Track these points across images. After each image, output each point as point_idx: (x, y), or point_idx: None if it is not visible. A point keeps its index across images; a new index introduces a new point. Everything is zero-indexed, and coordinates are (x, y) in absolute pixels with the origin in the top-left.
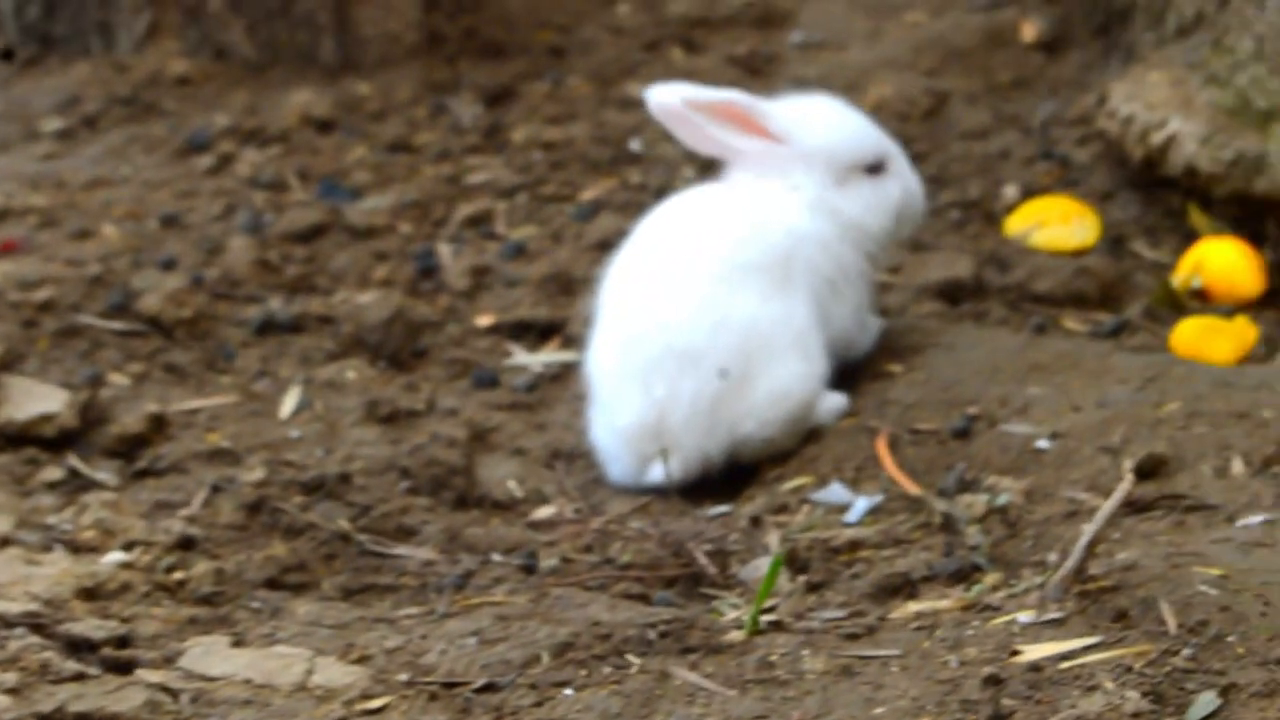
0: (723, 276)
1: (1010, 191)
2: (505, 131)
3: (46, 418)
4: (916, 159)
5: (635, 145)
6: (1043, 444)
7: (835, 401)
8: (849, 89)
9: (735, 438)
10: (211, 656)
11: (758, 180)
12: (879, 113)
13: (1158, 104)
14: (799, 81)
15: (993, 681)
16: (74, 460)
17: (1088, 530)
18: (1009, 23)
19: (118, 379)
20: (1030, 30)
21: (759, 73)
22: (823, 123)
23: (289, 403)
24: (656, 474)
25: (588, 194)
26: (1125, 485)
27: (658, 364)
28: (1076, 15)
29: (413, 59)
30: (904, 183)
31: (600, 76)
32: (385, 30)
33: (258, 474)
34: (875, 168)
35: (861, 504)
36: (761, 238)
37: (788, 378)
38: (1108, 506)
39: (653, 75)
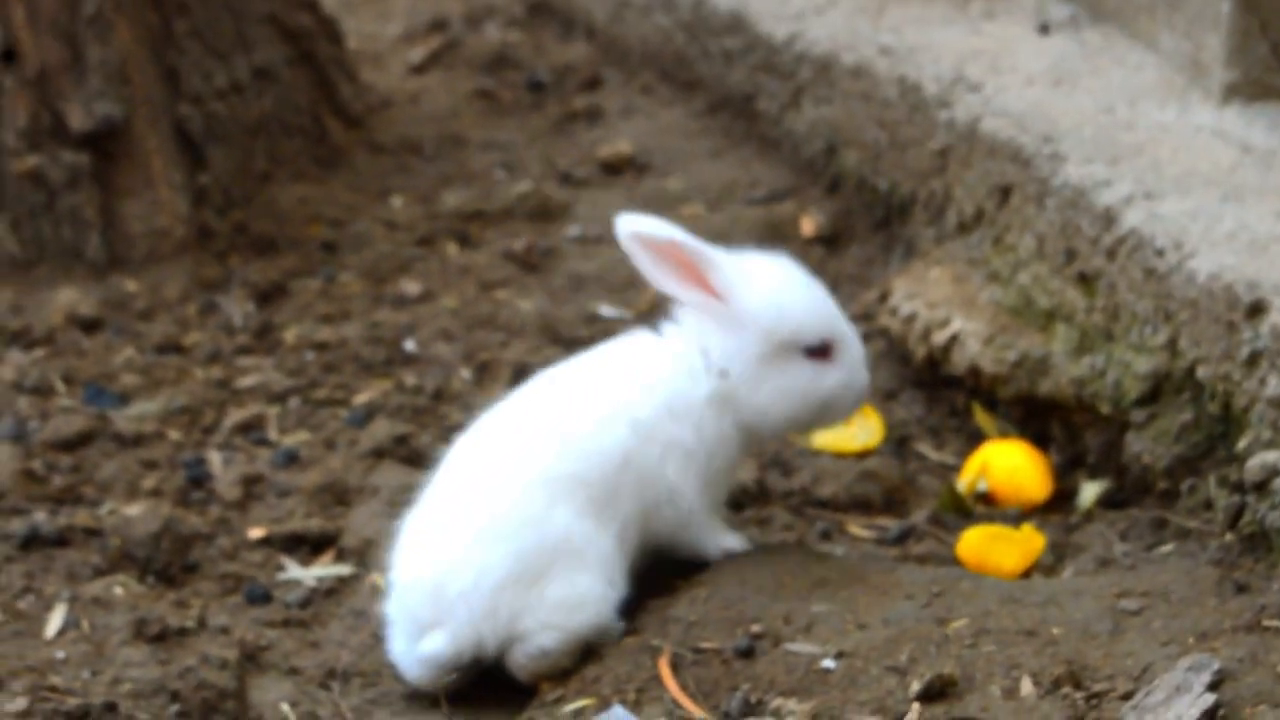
0: (547, 480)
1: None
2: (277, 331)
3: None
4: None
5: (410, 345)
6: (828, 664)
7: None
8: (627, 285)
9: (513, 631)
10: None
11: (662, 342)
12: (656, 310)
13: (939, 302)
14: (576, 276)
15: None
16: None
17: None
18: (788, 216)
19: None
20: (810, 224)
21: (536, 267)
22: (770, 287)
23: (54, 621)
24: (429, 649)
25: (361, 397)
26: (913, 717)
27: (455, 528)
28: (856, 209)
29: (181, 255)
30: (846, 375)
31: (373, 273)
32: (153, 226)
33: (20, 703)
34: (818, 350)
35: None
36: (601, 444)
37: (584, 592)
38: None
39: (427, 270)
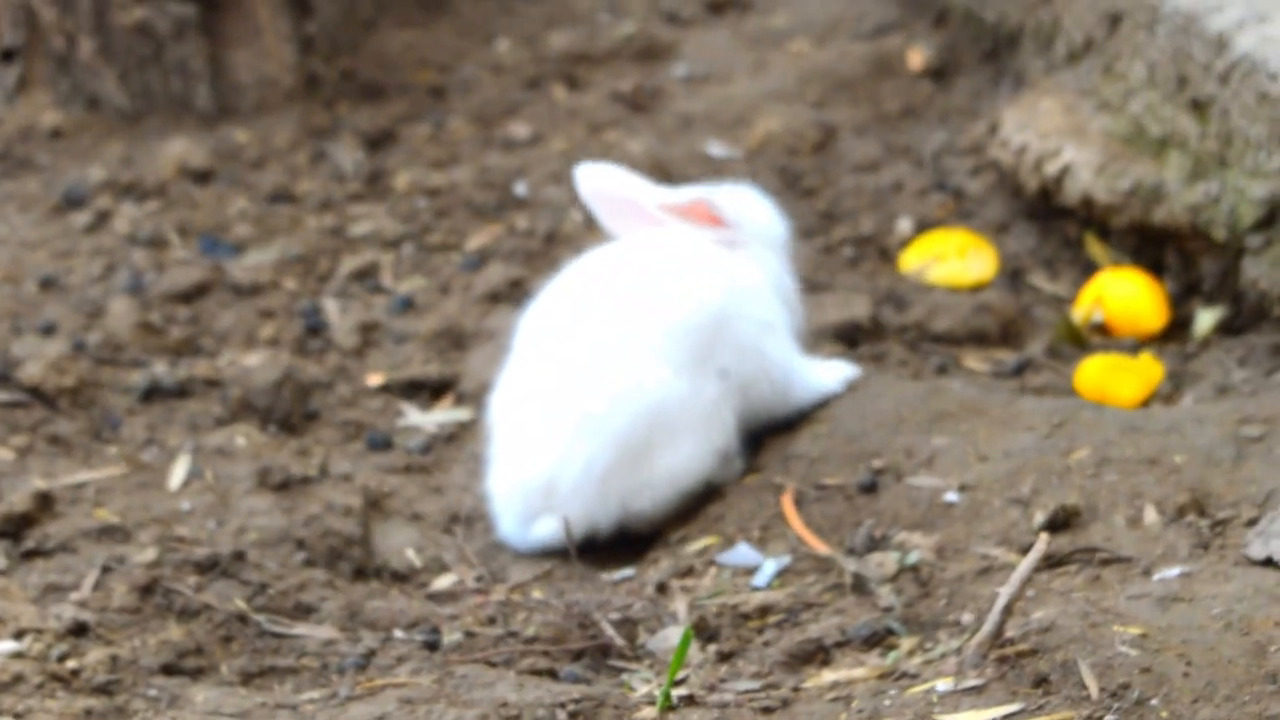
0: (639, 346)
1: (904, 225)
2: (387, 178)
3: None
4: (807, 194)
5: (520, 189)
6: (951, 497)
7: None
8: (736, 123)
9: (627, 511)
10: None
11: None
12: (767, 148)
13: (1050, 132)
14: (684, 116)
15: None
16: None
17: (1003, 593)
18: (895, 50)
19: (1, 453)
20: (917, 58)
21: (644, 108)
22: (761, 209)
23: (178, 473)
24: (542, 533)
25: (474, 242)
26: (1040, 547)
27: (556, 424)
28: (963, 41)
29: (290, 104)
30: None
31: (482, 117)
32: (261, 75)
33: (149, 553)
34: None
35: (770, 566)
36: (688, 307)
37: (690, 456)
38: (1022, 569)
39: (535, 114)
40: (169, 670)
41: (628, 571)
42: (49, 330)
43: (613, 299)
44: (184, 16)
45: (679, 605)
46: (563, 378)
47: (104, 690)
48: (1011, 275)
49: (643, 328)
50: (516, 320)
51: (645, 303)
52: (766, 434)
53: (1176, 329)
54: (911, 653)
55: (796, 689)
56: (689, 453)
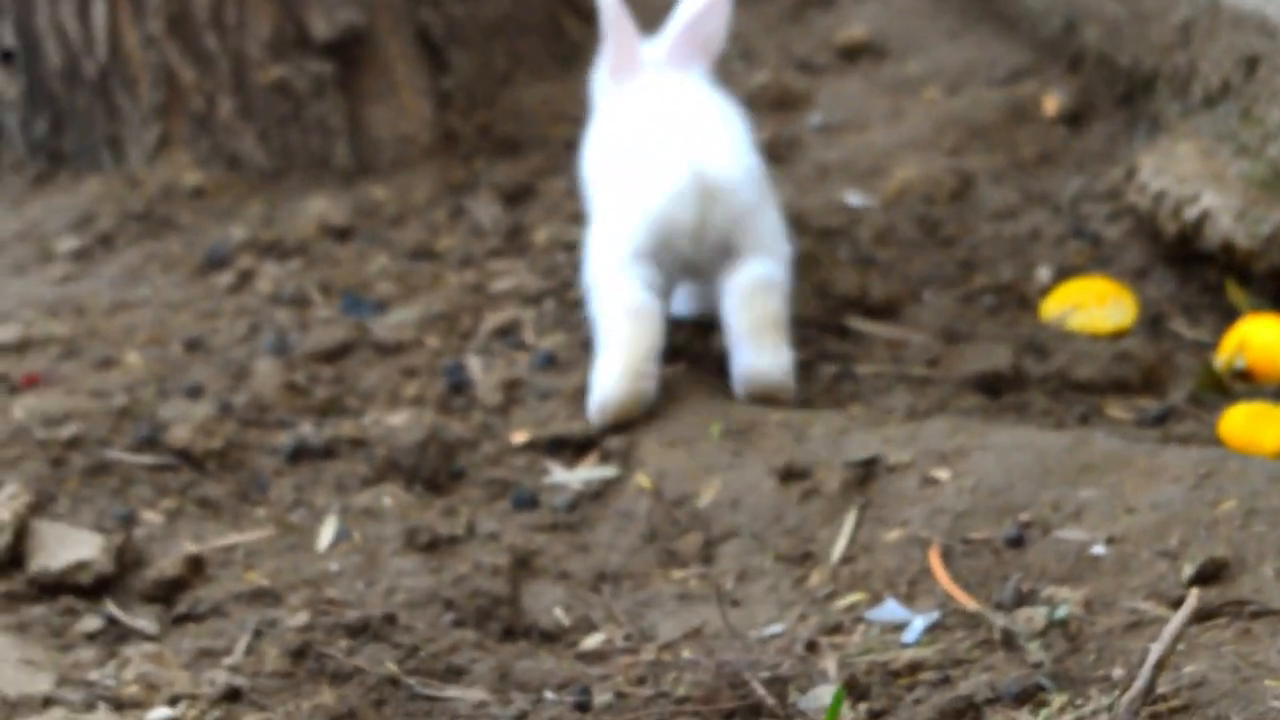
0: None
1: (1044, 273)
2: (527, 232)
3: (82, 565)
4: (945, 243)
5: None
6: (1099, 550)
7: None
8: (873, 172)
9: (754, 235)
10: None
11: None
12: (905, 196)
13: (1188, 177)
14: (821, 165)
15: None
16: (112, 608)
17: (1154, 649)
18: (1030, 96)
19: (151, 517)
20: (1052, 103)
21: (780, 158)
22: None
23: (326, 533)
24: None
25: None
26: (1191, 603)
27: (716, 138)
28: (1098, 86)
29: (428, 159)
30: None
31: None
32: (398, 131)
33: (300, 617)
34: None
35: (919, 622)
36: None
37: (783, 229)
38: (1174, 624)
39: None
40: None
41: (776, 628)
42: (195, 392)
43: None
44: (322, 74)
45: (829, 663)
46: (706, 122)
47: None
48: (1152, 322)
49: (721, 118)
50: None
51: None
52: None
53: None
54: (1063, 709)
55: None
56: (782, 225)
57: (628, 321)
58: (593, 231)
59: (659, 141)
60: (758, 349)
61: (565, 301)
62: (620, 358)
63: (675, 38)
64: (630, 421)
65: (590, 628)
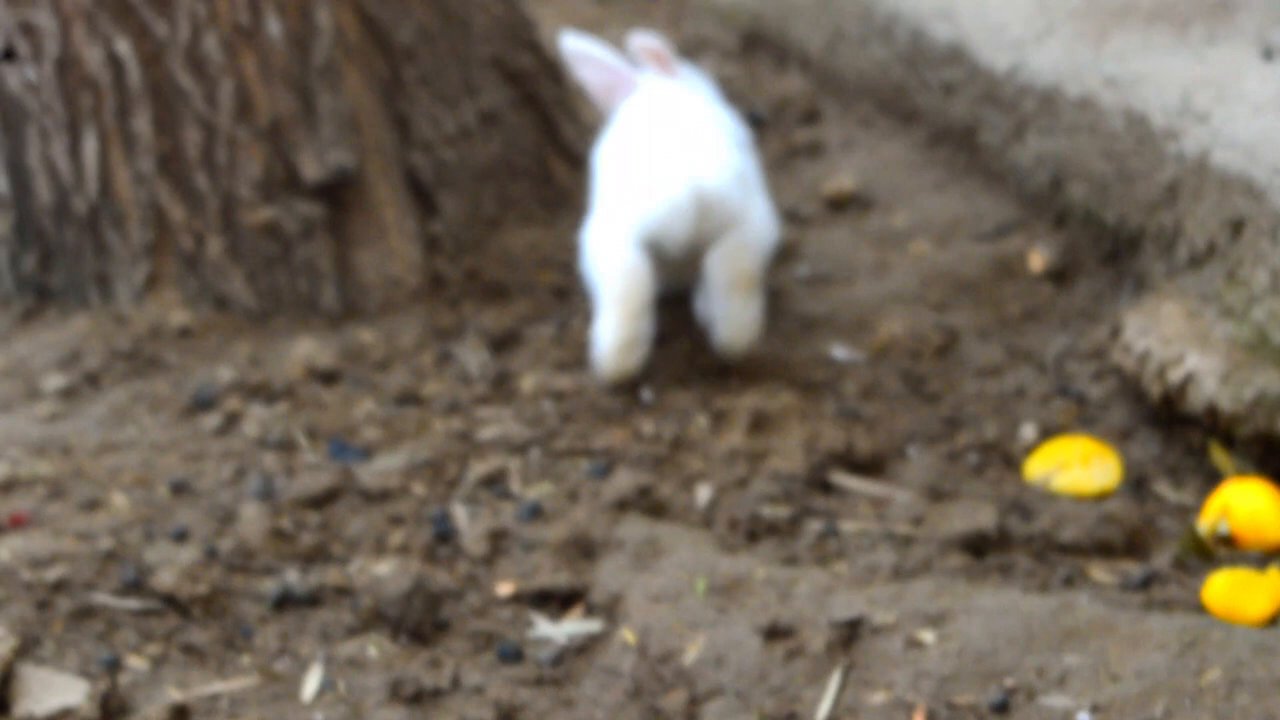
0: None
1: (1028, 431)
2: (513, 379)
3: (67, 711)
4: (930, 399)
5: (646, 392)
6: (1084, 718)
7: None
8: (858, 326)
9: (741, 216)
10: None
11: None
12: (890, 351)
13: (1173, 338)
14: (807, 318)
15: None
16: None
17: None
18: (1016, 251)
19: (136, 662)
20: (1038, 260)
21: (767, 310)
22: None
23: (311, 683)
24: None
25: (601, 446)
26: None
27: (706, 144)
28: (1084, 242)
29: (415, 303)
30: None
31: None
32: (386, 275)
33: None
34: None
35: None
36: (727, 117)
37: (769, 215)
38: None
39: (660, 314)
40: None
41: None
42: (181, 536)
43: (684, 115)
44: (311, 216)
45: None
46: (693, 127)
47: None
48: (1136, 483)
49: (713, 126)
50: (644, 529)
51: (706, 113)
52: (894, 649)
53: None
54: None
55: None
56: (766, 205)
57: (621, 280)
58: (593, 223)
59: (657, 153)
60: (729, 300)
61: (551, 451)
62: (615, 314)
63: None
64: (629, 379)
65: None
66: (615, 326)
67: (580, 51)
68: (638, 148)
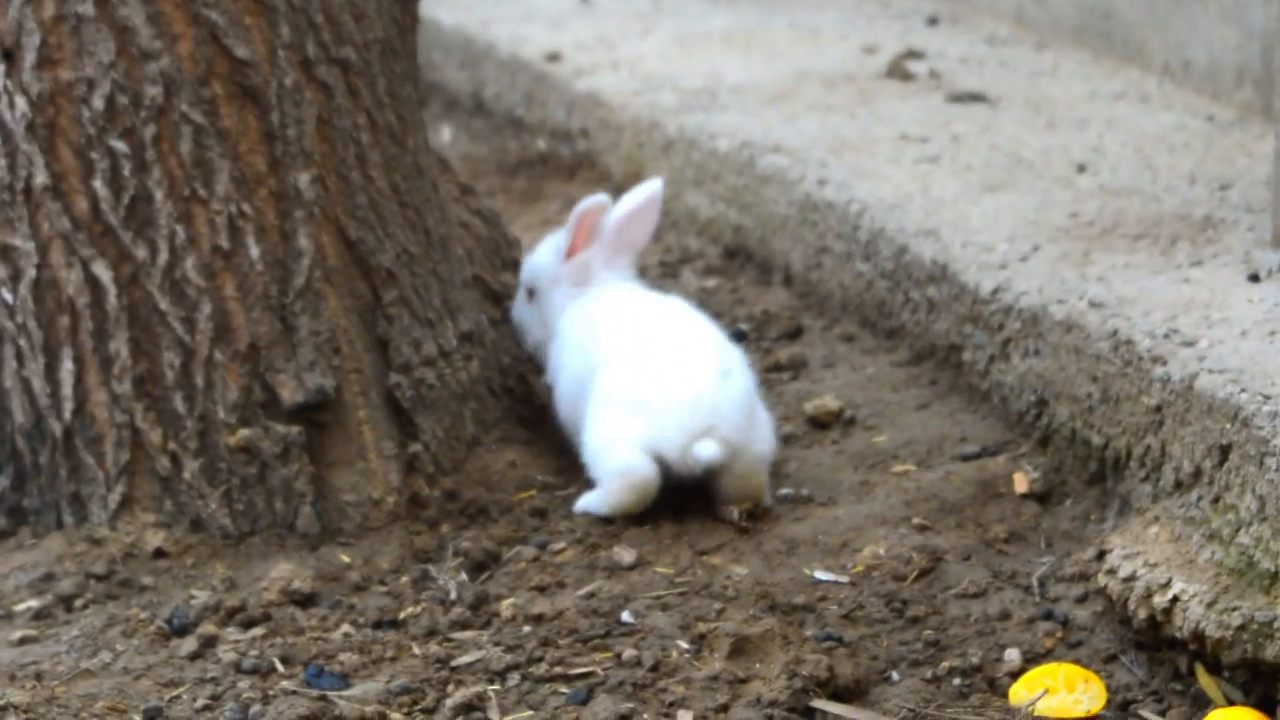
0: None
1: (1012, 655)
2: (493, 602)
3: None
4: (913, 622)
5: (626, 615)
6: None
7: None
8: (841, 547)
9: (750, 440)
10: None
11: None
12: (873, 573)
13: (1159, 562)
14: (789, 539)
15: None
16: None
17: None
18: (1001, 472)
19: None
20: (1023, 480)
21: (747, 531)
22: None
23: None
24: (706, 452)
25: (581, 672)
26: None
27: (708, 361)
28: (1069, 464)
29: (393, 525)
30: None
31: (585, 540)
32: (364, 496)
33: None
34: None
35: None
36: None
37: (768, 418)
38: None
39: (639, 537)
40: None
41: None
42: None
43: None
44: (289, 438)
45: None
46: (697, 342)
47: None
48: (1121, 708)
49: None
50: None
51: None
52: None
53: None
54: None
55: None
56: (766, 416)
57: (632, 493)
58: (599, 424)
59: (673, 378)
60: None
61: (530, 676)
62: (620, 508)
63: (608, 239)
64: None
65: None
66: (618, 511)
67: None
68: (647, 360)
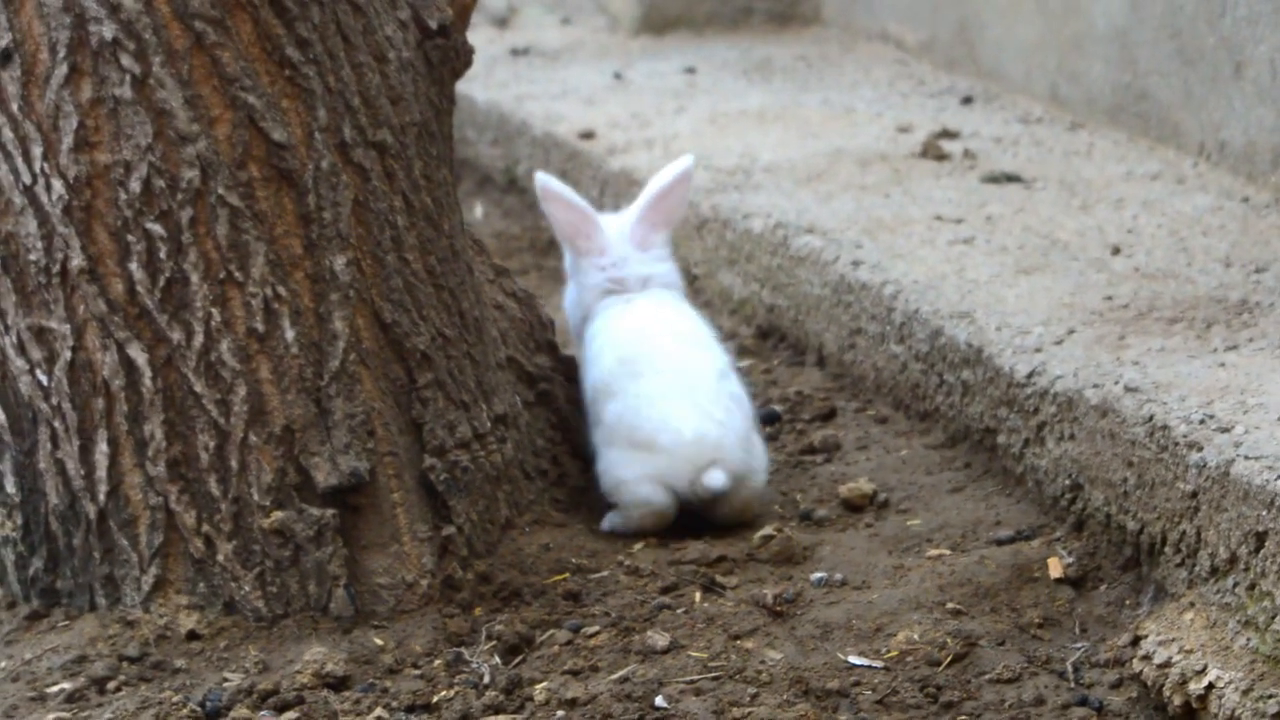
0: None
1: None
2: (526, 686)
3: None
4: (948, 707)
5: (660, 700)
6: None
7: None
8: (874, 632)
9: (750, 467)
10: None
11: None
12: (907, 658)
13: (1194, 648)
14: (823, 624)
15: None
16: None
17: None
18: (1036, 556)
19: None
20: (1057, 565)
21: (781, 615)
22: None
23: None
24: (714, 481)
25: None
26: None
27: (714, 396)
28: (1104, 549)
29: (426, 608)
30: None
31: (619, 624)
32: (398, 579)
33: None
34: None
35: None
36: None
37: (762, 442)
38: None
39: (673, 621)
40: None
41: None
42: None
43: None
44: (323, 521)
45: None
46: (702, 374)
47: None
48: None
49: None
50: None
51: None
52: None
53: None
54: None
55: None
56: (761, 443)
57: (652, 519)
58: (610, 455)
59: (677, 416)
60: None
61: None
62: (632, 528)
63: (640, 213)
64: None
65: None
66: (642, 531)
67: (550, 189)
68: (652, 400)
